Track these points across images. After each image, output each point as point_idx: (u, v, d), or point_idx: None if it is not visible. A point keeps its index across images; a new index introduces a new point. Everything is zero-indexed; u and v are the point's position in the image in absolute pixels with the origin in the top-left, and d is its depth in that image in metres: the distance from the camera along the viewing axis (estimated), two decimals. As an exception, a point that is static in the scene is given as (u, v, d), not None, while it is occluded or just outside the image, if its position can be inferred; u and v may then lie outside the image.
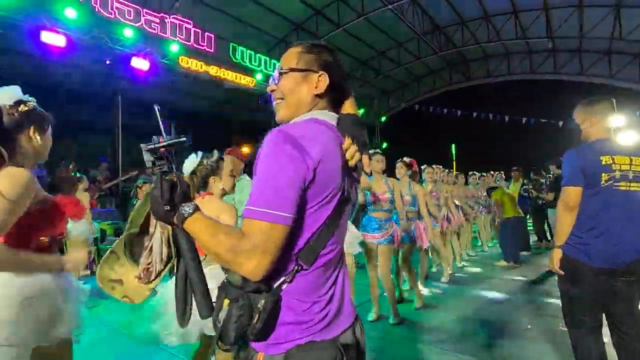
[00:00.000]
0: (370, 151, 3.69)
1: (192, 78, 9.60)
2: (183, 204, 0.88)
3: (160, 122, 0.91)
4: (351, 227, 2.99)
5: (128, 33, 7.88)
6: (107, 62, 8.06)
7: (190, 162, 1.97)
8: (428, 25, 12.05)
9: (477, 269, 5.91)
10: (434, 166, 5.33)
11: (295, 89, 1.01)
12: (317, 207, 0.88)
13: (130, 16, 7.93)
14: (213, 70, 9.57)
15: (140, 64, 8.19)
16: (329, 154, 0.89)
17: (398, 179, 4.16)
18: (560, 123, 12.37)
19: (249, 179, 3.13)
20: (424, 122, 17.30)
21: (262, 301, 0.84)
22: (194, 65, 9.17)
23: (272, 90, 1.05)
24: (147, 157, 0.89)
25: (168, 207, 0.88)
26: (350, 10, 10.81)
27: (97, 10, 7.44)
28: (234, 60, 9.91)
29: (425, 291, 4.48)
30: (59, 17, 6.94)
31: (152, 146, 0.90)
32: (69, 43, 7.10)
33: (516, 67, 14.07)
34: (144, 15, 8.16)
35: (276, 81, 1.04)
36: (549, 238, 7.53)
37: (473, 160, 10.62)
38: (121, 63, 8.19)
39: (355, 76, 13.80)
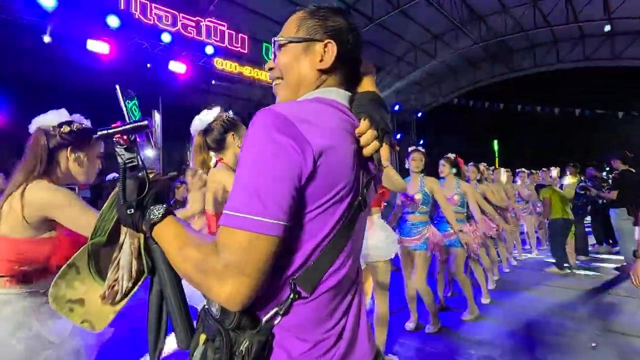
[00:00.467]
0: (411, 148, 3.45)
1: (228, 79, 9.75)
2: (152, 207, 0.71)
3: (123, 105, 0.74)
4: (386, 228, 2.76)
5: (166, 38, 8.15)
6: (148, 65, 8.35)
7: (203, 117, 1.70)
8: (467, 14, 11.42)
9: (526, 276, 5.45)
10: (476, 164, 4.82)
11: (294, 65, 0.78)
12: (321, 211, 0.65)
13: (168, 21, 8.19)
14: (247, 71, 9.70)
15: (177, 67, 8.45)
16: (337, 142, 0.66)
17: (442, 178, 3.87)
18: (620, 114, 11.25)
19: None
20: (463, 117, 16.53)
21: (246, 342, 0.63)
22: (229, 66, 9.32)
23: (271, 69, 0.84)
24: (119, 151, 0.72)
25: (132, 210, 0.71)
26: (385, 3, 10.48)
27: (137, 17, 7.74)
28: (267, 60, 9.92)
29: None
30: (102, 26, 7.29)
31: (105, 131, 0.72)
32: (112, 50, 7.46)
33: (567, 55, 12.99)
34: (180, 20, 8.40)
35: (274, 57, 0.83)
36: (610, 242, 6.81)
37: (517, 157, 9.92)
38: (160, 67, 8.48)
39: (390, 72, 13.43)
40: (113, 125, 0.70)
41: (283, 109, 0.65)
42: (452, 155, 3.90)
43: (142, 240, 0.74)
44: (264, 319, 0.65)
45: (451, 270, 3.86)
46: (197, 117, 1.74)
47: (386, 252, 2.62)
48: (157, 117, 9.32)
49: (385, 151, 0.75)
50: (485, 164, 5.18)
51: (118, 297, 0.75)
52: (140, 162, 0.72)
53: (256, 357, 0.62)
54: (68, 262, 0.77)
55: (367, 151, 0.72)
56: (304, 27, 0.78)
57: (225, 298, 0.59)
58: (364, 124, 0.72)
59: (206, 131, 1.73)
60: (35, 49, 7.19)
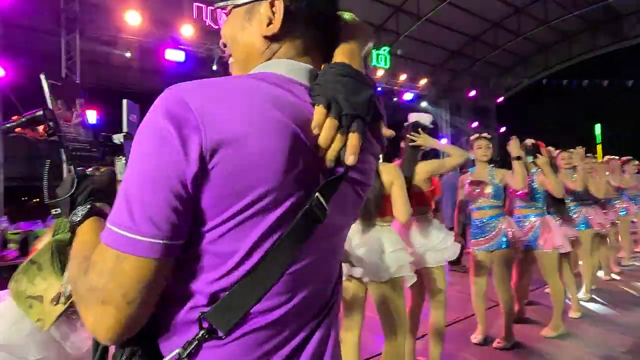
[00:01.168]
0: (473, 136, 3.03)
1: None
2: (79, 207, 0.63)
3: (47, 96, 0.69)
4: (439, 227, 2.44)
5: (233, 41, 8.62)
6: (214, 68, 8.90)
7: None
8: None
9: (633, 286, 4.49)
10: (571, 150, 3.77)
11: (238, 35, 0.62)
12: (230, 227, 0.48)
13: (235, 25, 8.65)
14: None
15: (245, 68, 8.87)
16: (254, 131, 0.47)
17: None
18: None
19: None
20: (555, 99, 14.47)
21: None
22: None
23: (224, 45, 0.67)
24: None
25: (57, 210, 0.65)
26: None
27: (207, 24, 8.28)
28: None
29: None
30: (178, 36, 7.94)
31: (6, 126, 0.67)
32: (187, 57, 8.10)
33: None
34: (246, 23, 8.80)
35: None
36: None
37: (626, 143, 8.30)
38: (226, 68, 8.98)
39: (464, 54, 12.32)
40: (13, 118, 0.64)
41: (186, 86, 0.49)
42: (530, 141, 3.33)
43: None
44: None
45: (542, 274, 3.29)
46: None
47: (440, 256, 2.33)
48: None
49: (353, 142, 0.52)
50: (581, 149, 4.04)
51: (62, 298, 0.74)
52: (64, 157, 0.66)
53: None
54: (30, 258, 0.77)
55: (321, 143, 0.52)
56: None
57: (90, 329, 0.47)
58: (317, 110, 0.52)
59: None
60: (124, 62, 8.12)
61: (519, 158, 2.76)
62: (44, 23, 6.87)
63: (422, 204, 2.35)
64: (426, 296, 2.47)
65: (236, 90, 0.51)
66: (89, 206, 0.63)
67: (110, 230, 0.47)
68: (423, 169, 2.34)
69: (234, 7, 0.62)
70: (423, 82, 11.70)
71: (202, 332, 0.50)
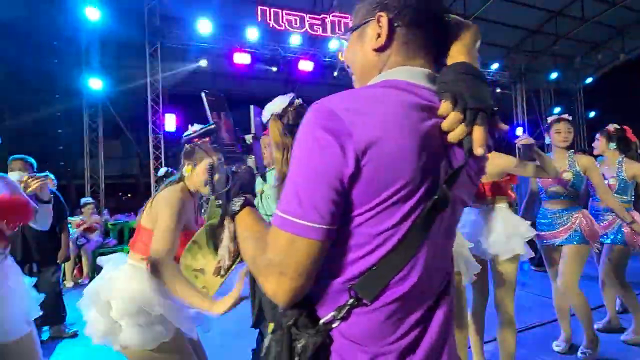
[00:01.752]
0: (552, 117, 2.72)
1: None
2: (235, 199, 0.78)
3: (207, 111, 0.85)
4: (512, 218, 2.26)
5: (295, 40, 8.82)
6: (274, 69, 9.21)
7: (276, 104, 1.73)
8: None
9: None
10: None
11: (353, 56, 0.75)
12: (374, 214, 0.59)
13: (297, 24, 8.84)
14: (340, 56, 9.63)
15: (306, 66, 9.04)
16: (394, 132, 0.57)
17: (599, 157, 2.97)
18: None
19: None
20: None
21: (302, 342, 0.62)
22: (353, 57, 9.42)
23: (348, 67, 0.80)
24: (203, 148, 0.88)
25: (219, 202, 0.81)
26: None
27: (271, 26, 8.61)
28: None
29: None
30: (244, 39, 8.39)
31: (185, 137, 0.88)
32: (252, 59, 8.52)
33: None
34: (307, 21, 8.94)
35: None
36: None
37: None
38: (291, 68, 9.24)
39: (545, 32, 11.09)
40: (192, 130, 0.86)
41: (331, 100, 0.60)
42: (612, 126, 2.90)
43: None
44: (322, 322, 0.64)
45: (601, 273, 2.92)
46: (270, 103, 1.75)
47: (509, 247, 2.16)
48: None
49: (480, 135, 0.60)
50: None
51: (222, 272, 0.92)
52: (222, 159, 0.84)
53: (310, 359, 0.61)
54: (193, 239, 1.00)
55: (450, 137, 0.62)
56: (358, 14, 0.74)
57: (272, 293, 0.60)
58: (444, 105, 0.61)
59: (280, 117, 1.71)
60: (198, 68, 8.80)
61: None
62: (131, 38, 7.74)
63: (498, 193, 2.22)
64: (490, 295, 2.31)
65: (371, 99, 0.61)
66: (242, 198, 0.78)
67: (282, 217, 0.59)
68: (496, 162, 2.15)
69: (350, 32, 0.75)
70: (495, 66, 10.83)
71: (351, 300, 0.62)
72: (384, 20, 0.68)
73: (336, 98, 0.60)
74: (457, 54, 0.70)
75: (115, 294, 1.31)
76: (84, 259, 5.63)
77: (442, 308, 0.69)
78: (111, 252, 5.82)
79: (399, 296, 0.62)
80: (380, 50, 0.69)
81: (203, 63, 8.43)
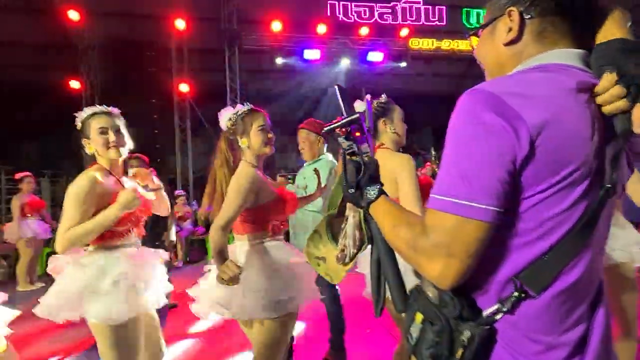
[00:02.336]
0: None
1: (424, 58, 9.45)
2: (368, 187, 0.79)
3: (341, 103, 0.86)
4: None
5: (364, 31, 8.72)
6: (347, 60, 9.17)
7: (356, 105, 1.72)
8: None
9: None
10: None
11: (484, 51, 0.77)
12: (543, 198, 0.58)
13: (366, 15, 8.72)
14: (445, 44, 9.08)
15: (375, 57, 8.88)
16: (561, 113, 0.57)
17: None
18: None
19: (330, 158, 2.50)
20: None
21: (468, 333, 0.61)
22: (425, 44, 9.01)
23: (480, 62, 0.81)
24: (340, 140, 0.87)
25: (353, 190, 0.80)
26: None
27: (340, 20, 8.63)
28: (468, 26, 8.98)
29: None
30: (314, 35, 8.54)
31: (327, 128, 0.87)
32: (322, 54, 8.63)
33: None
34: (377, 10, 8.77)
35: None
36: None
37: None
38: (360, 60, 9.15)
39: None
40: (334, 122, 0.87)
41: (490, 86, 0.60)
42: None
43: (361, 215, 0.88)
44: (485, 313, 0.63)
45: None
46: (221, 117, 1.79)
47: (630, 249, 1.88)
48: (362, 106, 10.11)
49: (638, 113, 0.57)
50: None
51: (347, 259, 0.94)
52: (356, 149, 0.83)
53: (478, 349, 0.61)
54: (314, 229, 1.04)
55: (607, 110, 0.59)
56: (489, 11, 0.75)
57: (436, 276, 0.60)
58: (607, 78, 0.58)
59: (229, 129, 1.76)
60: (272, 66, 9.21)
61: None
62: (211, 43, 8.40)
63: None
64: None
65: (531, 83, 0.61)
66: (377, 186, 0.78)
67: (447, 200, 0.59)
68: None
69: (482, 29, 0.76)
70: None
71: (516, 292, 0.60)
72: (515, 15, 0.68)
73: (495, 83, 0.61)
74: (608, 33, 0.66)
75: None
76: (178, 245, 6.34)
77: (602, 308, 0.66)
78: (200, 239, 6.47)
79: (565, 288, 0.60)
80: (512, 43, 0.70)
81: (278, 61, 8.78)
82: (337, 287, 2.47)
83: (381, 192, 0.77)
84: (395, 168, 1.58)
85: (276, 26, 8.16)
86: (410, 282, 0.79)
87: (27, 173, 4.98)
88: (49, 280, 4.34)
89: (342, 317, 2.47)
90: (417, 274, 0.72)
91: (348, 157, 0.83)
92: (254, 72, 9.58)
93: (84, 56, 8.12)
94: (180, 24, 7.75)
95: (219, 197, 1.70)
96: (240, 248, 1.66)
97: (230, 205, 1.50)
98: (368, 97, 1.16)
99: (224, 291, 1.52)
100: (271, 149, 1.70)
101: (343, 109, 0.85)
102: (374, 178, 0.80)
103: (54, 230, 4.97)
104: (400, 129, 1.78)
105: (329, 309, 2.46)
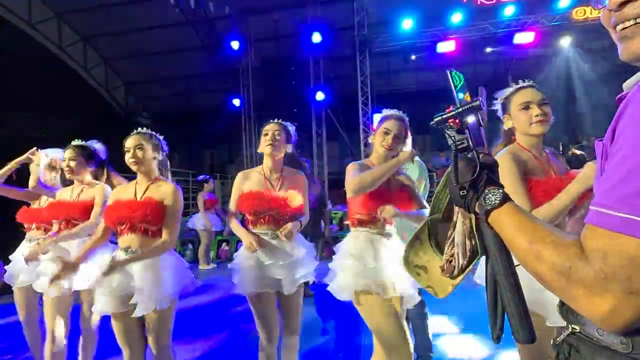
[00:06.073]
0: None
1: (592, 30, 7.70)
2: (487, 190, 0.65)
3: (454, 90, 0.73)
4: None
5: (509, 11, 7.69)
6: (488, 50, 8.26)
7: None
8: None
9: None
10: None
11: None
12: None
13: (511, -8, 7.68)
14: (632, 8, 7.17)
15: (524, 38, 7.72)
16: None
17: None
18: None
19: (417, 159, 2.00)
20: None
21: None
22: (593, 12, 7.32)
23: (624, 3, 0.55)
24: (449, 133, 0.73)
25: (464, 192, 0.68)
26: None
27: (479, 3, 7.83)
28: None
29: None
30: (448, 26, 8.01)
31: (439, 117, 0.74)
32: (457, 45, 8.01)
33: None
34: (525, -17, 7.62)
35: None
36: None
37: None
38: (505, 43, 8.11)
39: None
40: (447, 110, 0.74)
41: None
42: None
43: (473, 221, 0.73)
44: None
45: None
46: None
47: None
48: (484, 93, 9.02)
49: None
50: None
51: (455, 272, 0.78)
52: (470, 143, 0.70)
53: None
54: (415, 233, 0.90)
55: None
56: None
57: (600, 315, 0.48)
58: None
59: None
60: (403, 66, 9.08)
61: None
62: (343, 51, 8.83)
63: None
64: None
65: None
66: (500, 191, 0.64)
67: (626, 218, 0.45)
68: None
69: None
70: None
71: None
72: None
73: None
74: None
75: None
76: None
77: None
78: (336, 237, 6.91)
79: None
80: None
81: (409, 58, 8.63)
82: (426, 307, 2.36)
83: (505, 198, 0.63)
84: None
85: (407, 24, 8.00)
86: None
87: (207, 176, 6.28)
88: (220, 262, 5.33)
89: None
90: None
91: (459, 153, 0.70)
92: (384, 74, 9.64)
93: (242, 78, 9.70)
94: (316, 37, 8.44)
95: None
96: None
97: None
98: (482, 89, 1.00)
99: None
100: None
101: (456, 98, 0.72)
102: (493, 179, 0.67)
103: (224, 223, 6.13)
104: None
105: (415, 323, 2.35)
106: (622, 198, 0.45)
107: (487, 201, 0.64)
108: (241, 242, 1.93)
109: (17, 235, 2.42)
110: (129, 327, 1.74)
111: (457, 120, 0.71)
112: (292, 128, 2.09)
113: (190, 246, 6.67)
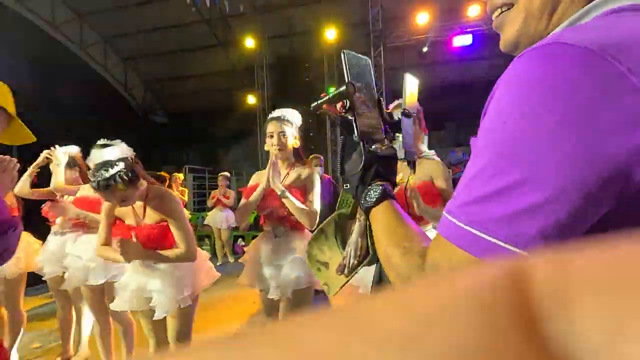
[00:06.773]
0: None
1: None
2: (372, 186, 0.60)
3: (346, 73, 0.66)
4: None
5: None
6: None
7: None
8: None
9: None
10: None
11: None
12: None
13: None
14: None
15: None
16: None
17: None
18: None
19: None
20: None
21: None
22: None
23: None
24: (336, 122, 0.68)
25: (347, 186, 0.64)
26: None
27: (496, -5, 7.64)
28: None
29: None
30: (464, 20, 7.85)
31: (314, 104, 0.69)
32: (474, 38, 7.85)
33: None
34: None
35: None
36: None
37: None
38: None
39: None
40: (322, 95, 0.70)
41: (576, 36, 0.36)
42: None
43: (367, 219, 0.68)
44: None
45: None
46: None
47: None
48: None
49: None
50: None
51: (345, 271, 0.72)
52: (356, 134, 0.63)
53: None
54: (320, 227, 0.82)
55: None
56: None
57: None
58: None
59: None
60: (418, 61, 8.96)
61: None
62: (358, 46, 8.76)
63: None
64: None
65: (623, 31, 0.38)
66: (381, 189, 0.60)
67: (463, 230, 0.41)
68: None
69: None
70: None
71: None
72: None
73: (573, 34, 0.37)
74: None
75: None
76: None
77: None
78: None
79: None
80: None
81: (423, 51, 8.51)
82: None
83: (384, 195, 0.58)
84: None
85: (422, 18, 7.87)
86: None
87: (225, 173, 6.35)
88: (235, 257, 5.29)
89: None
90: None
91: (345, 144, 0.65)
92: (399, 69, 9.53)
93: (257, 75, 9.76)
94: (330, 34, 8.40)
95: None
96: None
97: None
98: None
99: None
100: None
101: (347, 78, 0.65)
102: (381, 174, 0.61)
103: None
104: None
105: None
106: (461, 206, 0.39)
107: (368, 198, 0.60)
108: (255, 237, 1.94)
109: (39, 229, 2.51)
110: (152, 321, 1.74)
111: (336, 108, 0.65)
112: (295, 115, 1.93)
113: (206, 240, 6.78)
